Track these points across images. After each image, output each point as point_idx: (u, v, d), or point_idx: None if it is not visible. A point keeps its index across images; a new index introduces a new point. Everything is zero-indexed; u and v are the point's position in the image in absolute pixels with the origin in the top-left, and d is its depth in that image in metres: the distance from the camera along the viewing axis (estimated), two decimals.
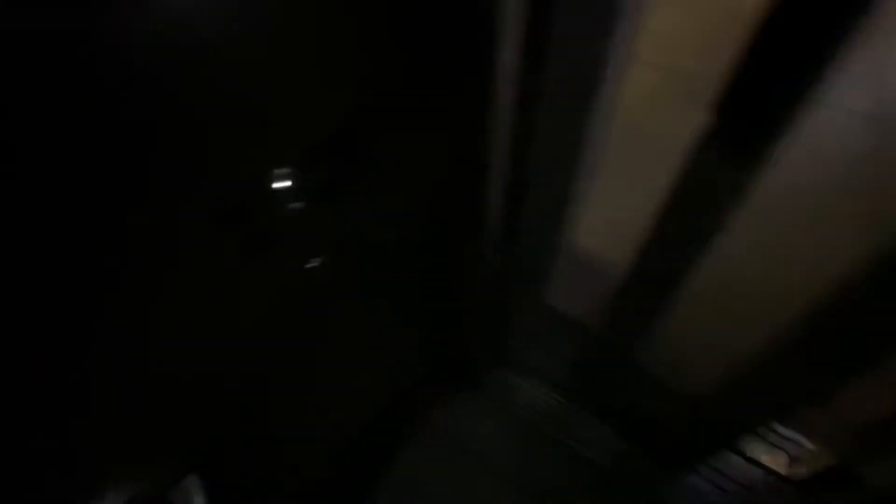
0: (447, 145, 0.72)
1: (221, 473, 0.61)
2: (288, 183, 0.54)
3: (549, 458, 1.23)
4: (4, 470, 0.36)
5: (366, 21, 0.55)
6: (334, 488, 1.04)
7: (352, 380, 0.93)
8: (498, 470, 1.18)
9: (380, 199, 0.74)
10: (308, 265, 0.64)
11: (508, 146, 0.70)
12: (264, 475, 0.76)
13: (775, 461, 1.40)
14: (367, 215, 0.73)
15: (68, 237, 0.33)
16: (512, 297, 1.07)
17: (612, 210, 1.12)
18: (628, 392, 1.23)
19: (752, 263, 1.16)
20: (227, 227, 0.51)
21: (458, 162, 0.71)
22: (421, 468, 1.14)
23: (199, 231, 0.48)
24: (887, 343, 0.69)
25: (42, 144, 0.30)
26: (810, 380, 0.81)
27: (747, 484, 1.34)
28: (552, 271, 1.10)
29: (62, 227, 0.33)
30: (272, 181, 0.54)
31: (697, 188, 0.70)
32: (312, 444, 0.91)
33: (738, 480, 1.35)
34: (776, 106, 0.58)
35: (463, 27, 0.56)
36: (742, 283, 1.19)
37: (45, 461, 0.40)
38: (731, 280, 1.13)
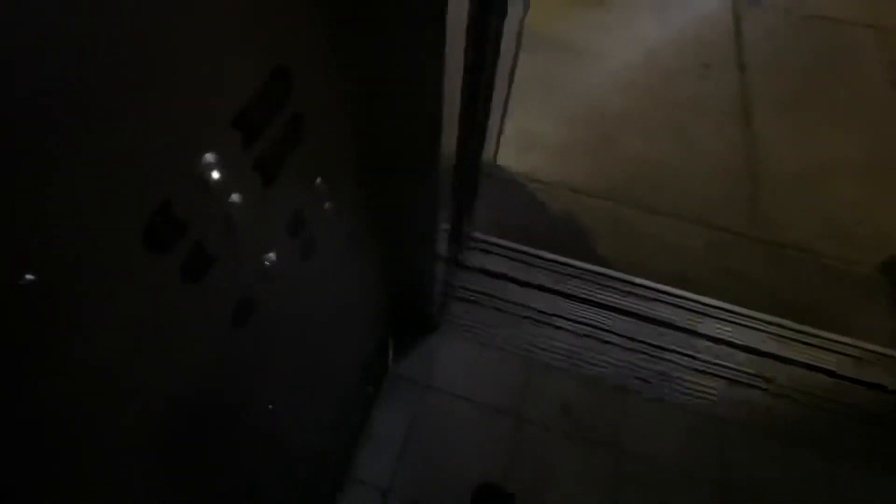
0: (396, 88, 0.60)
1: (202, 499, 0.56)
2: (224, 168, 0.39)
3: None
4: None
5: None
6: (314, 474, 0.99)
7: (320, 364, 0.83)
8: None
9: (323, 155, 0.59)
10: (267, 261, 0.51)
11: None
12: (245, 489, 0.70)
13: None
14: (316, 179, 0.59)
15: None
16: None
17: None
18: None
19: None
20: (159, 248, 0.36)
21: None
22: (394, 422, 1.19)
23: (127, 261, 0.34)
24: None
25: None
26: None
27: None
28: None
29: None
30: (206, 171, 0.38)
31: None
32: (289, 444, 0.83)
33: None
34: None
35: None
36: None
37: None
38: None
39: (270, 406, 0.65)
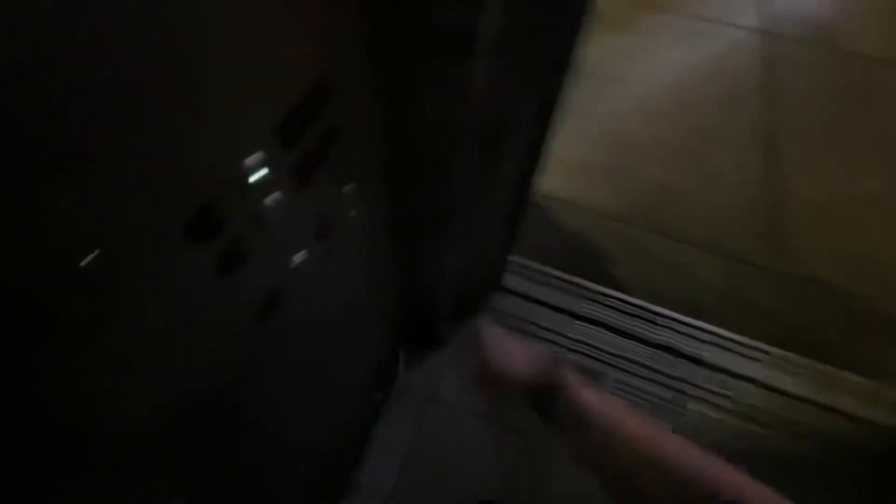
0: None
1: (207, 495, 0.58)
2: (263, 172, 0.42)
3: None
4: None
5: None
6: (324, 478, 1.02)
7: (331, 369, 0.85)
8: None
9: (353, 166, 0.62)
10: (293, 262, 0.54)
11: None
12: (250, 487, 0.72)
13: None
14: (344, 187, 0.61)
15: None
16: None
17: None
18: None
19: None
20: (200, 240, 0.39)
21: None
22: (399, 432, 1.20)
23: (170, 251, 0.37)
24: None
25: None
26: None
27: None
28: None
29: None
30: (246, 174, 0.41)
31: None
32: (304, 446, 0.86)
33: None
34: None
35: None
36: None
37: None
38: None
39: (282, 404, 0.67)
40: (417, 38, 0.53)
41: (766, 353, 1.37)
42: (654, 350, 1.35)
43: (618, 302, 1.44)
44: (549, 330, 1.37)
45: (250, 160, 0.42)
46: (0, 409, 0.28)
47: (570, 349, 1.34)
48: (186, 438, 0.49)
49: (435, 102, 0.60)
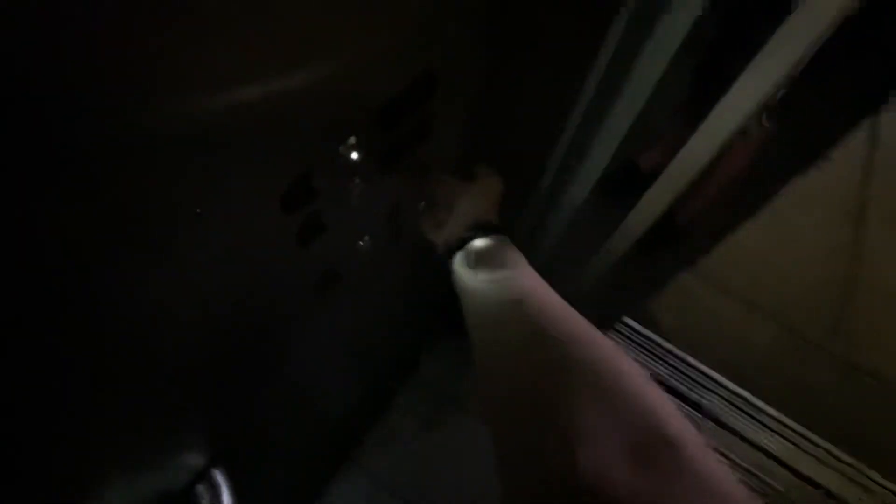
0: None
1: (241, 464, 0.60)
2: (355, 155, 0.43)
3: None
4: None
5: None
6: (328, 448, 1.07)
7: (362, 346, 0.87)
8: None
9: (436, 159, 0.59)
10: (361, 242, 0.55)
11: None
12: (275, 458, 0.76)
13: None
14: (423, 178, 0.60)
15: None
16: None
17: None
18: None
19: None
20: (290, 209, 0.40)
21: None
22: (406, 421, 1.21)
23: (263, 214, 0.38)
24: None
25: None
26: None
27: None
28: None
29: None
30: (344, 151, 0.42)
31: None
32: (320, 415, 0.88)
33: None
34: None
35: None
36: None
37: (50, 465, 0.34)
38: None
39: (313, 367, 0.69)
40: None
41: (802, 435, 1.29)
42: (685, 406, 1.30)
43: (655, 346, 1.39)
44: None
45: (350, 139, 0.42)
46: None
47: None
48: (230, 369, 0.50)
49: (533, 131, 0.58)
